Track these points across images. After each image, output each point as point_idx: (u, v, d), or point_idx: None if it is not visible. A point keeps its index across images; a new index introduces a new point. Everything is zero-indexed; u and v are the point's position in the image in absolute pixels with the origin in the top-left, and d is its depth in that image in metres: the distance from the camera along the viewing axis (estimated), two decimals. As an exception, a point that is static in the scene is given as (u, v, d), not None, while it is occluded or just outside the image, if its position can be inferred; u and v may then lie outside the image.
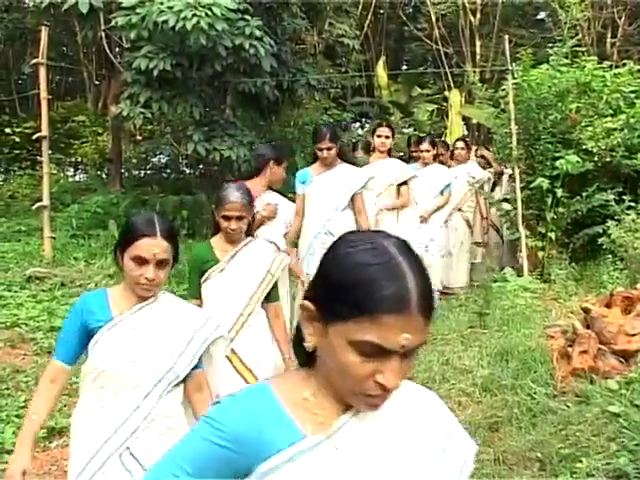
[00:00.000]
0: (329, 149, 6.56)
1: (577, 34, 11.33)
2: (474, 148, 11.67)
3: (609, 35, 19.69)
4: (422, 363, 6.45)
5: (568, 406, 5.17)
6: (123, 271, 3.03)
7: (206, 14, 8.86)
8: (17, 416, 5.47)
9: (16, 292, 8.43)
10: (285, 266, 4.82)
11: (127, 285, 3.05)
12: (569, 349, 5.69)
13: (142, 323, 3.00)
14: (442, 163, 10.16)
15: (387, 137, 8.23)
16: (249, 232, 4.52)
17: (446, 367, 6.26)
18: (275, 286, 4.59)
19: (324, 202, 6.62)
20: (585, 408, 5.08)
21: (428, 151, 9.39)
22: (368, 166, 7.81)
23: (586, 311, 5.95)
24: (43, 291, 8.57)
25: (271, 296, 4.55)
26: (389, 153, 8.39)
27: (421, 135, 10.84)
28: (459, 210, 10.05)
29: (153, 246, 2.94)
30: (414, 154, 10.18)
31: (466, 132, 18.46)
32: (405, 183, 8.25)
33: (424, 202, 9.07)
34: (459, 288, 9.79)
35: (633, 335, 5.70)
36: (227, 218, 4.32)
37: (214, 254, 4.44)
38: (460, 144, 10.41)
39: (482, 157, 11.36)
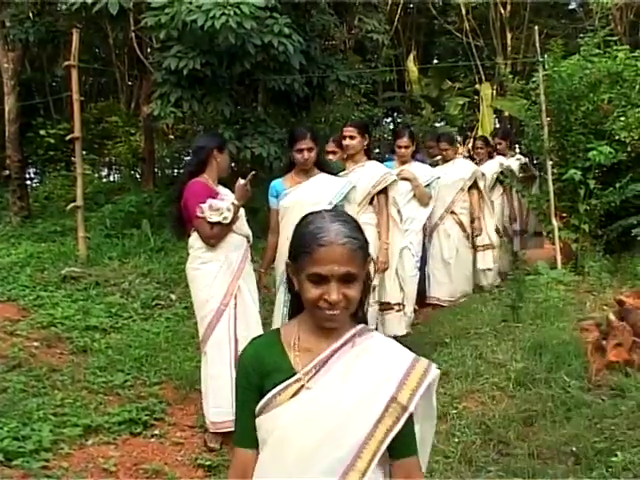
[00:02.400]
0: (310, 150, 5.91)
1: (609, 23, 11.22)
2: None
3: (642, 23, 19.43)
4: (455, 358, 6.44)
5: (603, 399, 5.14)
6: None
7: (235, 12, 8.86)
8: (54, 414, 5.54)
9: (52, 292, 8.53)
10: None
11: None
12: (603, 342, 5.65)
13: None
14: (472, 159, 9.93)
15: (352, 137, 6.97)
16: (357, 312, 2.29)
17: (479, 361, 6.23)
18: (409, 426, 2.22)
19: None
20: (620, 401, 5.05)
21: (407, 147, 8.22)
22: (343, 173, 6.76)
23: (620, 303, 5.90)
24: (78, 290, 8.67)
25: (400, 447, 2.21)
26: (367, 155, 7.13)
27: (401, 126, 9.81)
28: (451, 213, 9.26)
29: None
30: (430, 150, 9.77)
31: (497, 125, 18.36)
32: (383, 191, 6.92)
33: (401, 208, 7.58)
34: (461, 297, 9.17)
35: (668, 327, 5.64)
36: (319, 278, 2.13)
37: (286, 358, 2.25)
38: (443, 145, 9.45)
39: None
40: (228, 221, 5.52)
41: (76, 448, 5.18)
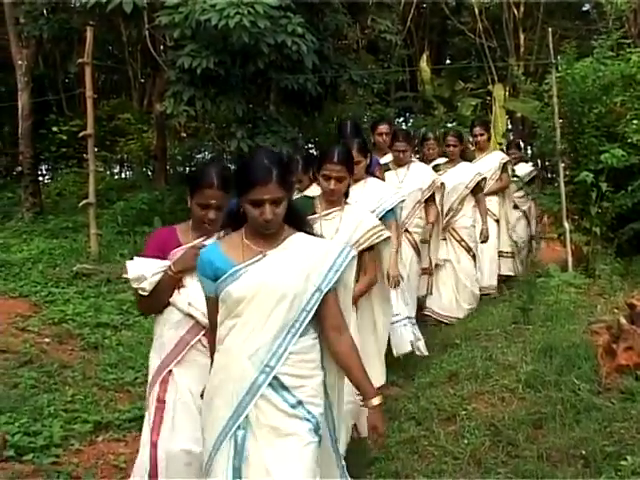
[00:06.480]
0: (276, 202, 3.11)
1: (623, 26, 11.17)
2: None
3: (656, 26, 19.35)
4: (465, 359, 6.43)
5: (613, 403, 5.13)
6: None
7: (248, 12, 8.88)
8: (64, 410, 5.58)
9: (63, 288, 8.58)
10: None
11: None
12: (614, 345, 5.63)
13: None
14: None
15: (358, 162, 5.37)
16: None
17: (489, 363, 6.22)
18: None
19: (268, 317, 3.11)
20: (630, 405, 5.04)
21: (358, 163, 5.52)
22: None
23: (631, 307, 5.88)
24: (90, 287, 8.71)
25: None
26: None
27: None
28: (405, 231, 7.26)
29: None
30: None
31: (510, 126, 18.33)
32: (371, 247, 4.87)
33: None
34: None
35: (679, 331, 5.62)
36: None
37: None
38: (400, 145, 7.56)
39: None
40: (146, 293, 3.68)
41: (86, 444, 5.21)
